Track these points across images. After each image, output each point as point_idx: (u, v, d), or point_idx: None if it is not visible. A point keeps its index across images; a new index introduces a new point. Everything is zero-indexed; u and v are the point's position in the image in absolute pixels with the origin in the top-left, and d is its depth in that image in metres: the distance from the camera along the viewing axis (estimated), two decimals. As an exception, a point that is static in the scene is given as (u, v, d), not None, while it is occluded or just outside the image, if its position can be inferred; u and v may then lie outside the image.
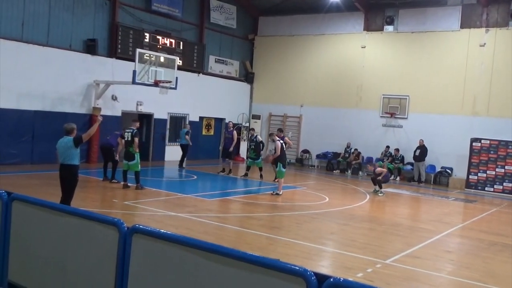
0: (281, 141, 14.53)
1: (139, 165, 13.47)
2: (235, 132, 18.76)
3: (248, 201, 13.35)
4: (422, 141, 20.81)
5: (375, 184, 16.50)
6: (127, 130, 13.53)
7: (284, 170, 14.38)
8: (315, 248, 8.94)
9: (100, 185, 14.02)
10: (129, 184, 13.37)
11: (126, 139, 13.42)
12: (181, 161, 19.70)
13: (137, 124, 13.84)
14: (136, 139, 13.29)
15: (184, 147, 19.52)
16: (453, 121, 20.79)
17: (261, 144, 17.89)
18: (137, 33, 20.24)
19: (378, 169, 16.58)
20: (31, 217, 5.32)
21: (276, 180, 15.27)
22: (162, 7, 21.17)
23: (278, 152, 14.24)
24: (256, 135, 18.11)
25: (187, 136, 19.31)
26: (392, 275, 7.53)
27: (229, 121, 20.13)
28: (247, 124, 25.56)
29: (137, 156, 13.33)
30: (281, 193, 14.30)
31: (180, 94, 20.37)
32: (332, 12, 23.46)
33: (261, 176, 17.55)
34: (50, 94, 17.44)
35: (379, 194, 16.12)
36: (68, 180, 8.79)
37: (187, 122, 21.92)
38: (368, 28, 23.18)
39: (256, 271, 3.65)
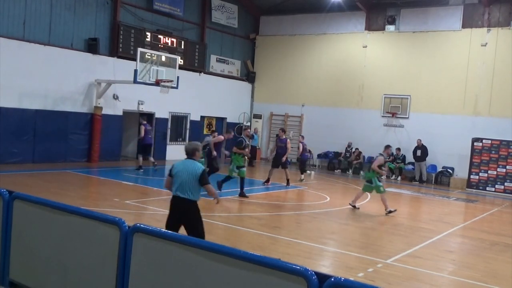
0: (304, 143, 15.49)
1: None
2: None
3: (249, 201, 13.32)
4: (420, 141, 20.78)
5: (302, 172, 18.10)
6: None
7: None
8: (316, 248, 8.94)
9: (102, 184, 14.02)
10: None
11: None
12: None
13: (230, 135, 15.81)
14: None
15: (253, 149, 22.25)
16: (454, 121, 20.75)
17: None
18: (138, 32, 20.23)
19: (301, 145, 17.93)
20: (33, 216, 5.33)
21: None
22: (163, 6, 21.16)
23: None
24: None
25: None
26: (393, 275, 7.52)
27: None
28: (248, 124, 25.57)
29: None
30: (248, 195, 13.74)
31: (182, 94, 20.35)
32: (333, 11, 23.43)
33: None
34: (52, 93, 17.44)
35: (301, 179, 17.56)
36: (190, 217, 6.74)
37: (247, 127, 23.85)
38: (369, 27, 23.16)
39: (257, 270, 3.66)
